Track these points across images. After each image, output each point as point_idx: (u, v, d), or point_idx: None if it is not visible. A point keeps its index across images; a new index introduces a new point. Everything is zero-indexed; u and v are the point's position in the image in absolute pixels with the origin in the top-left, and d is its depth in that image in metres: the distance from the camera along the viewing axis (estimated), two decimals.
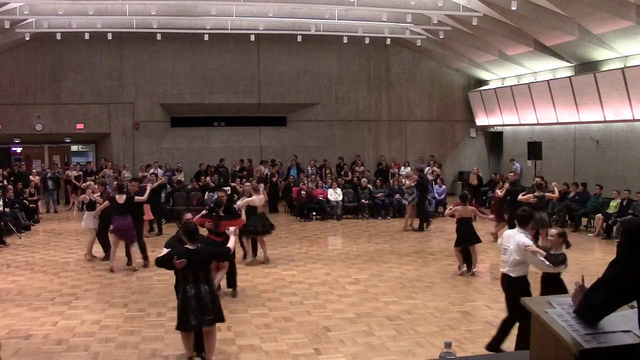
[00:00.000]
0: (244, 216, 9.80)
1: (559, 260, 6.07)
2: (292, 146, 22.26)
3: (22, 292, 9.27)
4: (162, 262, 6.06)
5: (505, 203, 13.87)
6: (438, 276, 10.30)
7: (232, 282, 9.19)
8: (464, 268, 10.40)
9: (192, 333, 6.08)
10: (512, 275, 6.22)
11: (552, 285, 6.08)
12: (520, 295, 6.21)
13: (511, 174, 15.70)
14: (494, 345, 6.47)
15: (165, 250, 6.26)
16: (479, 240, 10.61)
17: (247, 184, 12.67)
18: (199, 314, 5.84)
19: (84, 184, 13.94)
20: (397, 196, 17.80)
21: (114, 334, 7.23)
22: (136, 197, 11.26)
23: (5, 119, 20.56)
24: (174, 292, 6.60)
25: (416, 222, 15.80)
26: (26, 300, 8.82)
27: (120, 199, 10.97)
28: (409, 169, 20.13)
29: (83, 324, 7.66)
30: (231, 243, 6.49)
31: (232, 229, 6.82)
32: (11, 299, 8.88)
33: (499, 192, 14.00)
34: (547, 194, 12.44)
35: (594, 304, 2.53)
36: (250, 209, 10.87)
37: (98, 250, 12.01)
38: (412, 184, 15.77)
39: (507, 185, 14.19)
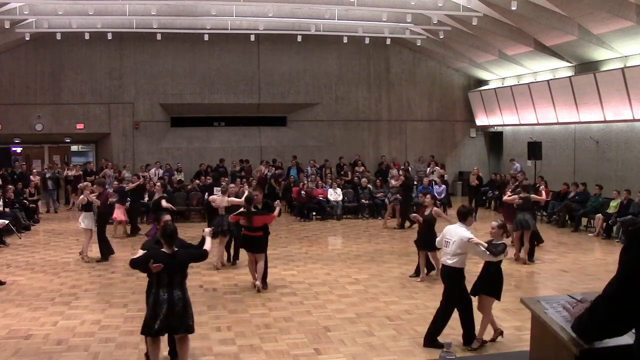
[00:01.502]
0: (277, 212, 9.92)
1: (499, 250, 6.71)
2: (292, 146, 22.26)
3: (22, 292, 9.27)
4: (136, 264, 5.84)
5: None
6: (438, 276, 10.27)
7: (263, 276, 9.46)
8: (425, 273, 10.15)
9: (159, 340, 5.85)
10: (451, 265, 6.72)
11: (494, 273, 6.75)
12: (455, 285, 6.75)
13: (519, 175, 15.61)
14: (431, 336, 6.77)
15: (141, 252, 6.02)
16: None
17: (232, 185, 12.96)
18: (166, 320, 5.61)
19: (80, 184, 13.96)
20: (397, 196, 17.78)
21: (114, 334, 7.23)
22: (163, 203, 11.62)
23: (5, 119, 20.56)
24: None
25: (395, 221, 16.12)
26: (26, 300, 8.82)
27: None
28: (396, 170, 20.09)
29: (83, 324, 7.66)
30: (207, 244, 6.26)
31: (207, 230, 6.61)
32: (11, 299, 8.88)
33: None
34: (533, 196, 12.29)
35: (598, 319, 2.35)
36: (212, 210, 11.48)
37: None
38: (398, 185, 15.90)
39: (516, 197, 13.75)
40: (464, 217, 6.92)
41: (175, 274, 5.72)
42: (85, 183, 14.03)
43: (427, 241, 9.84)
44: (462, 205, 7.27)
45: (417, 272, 10.25)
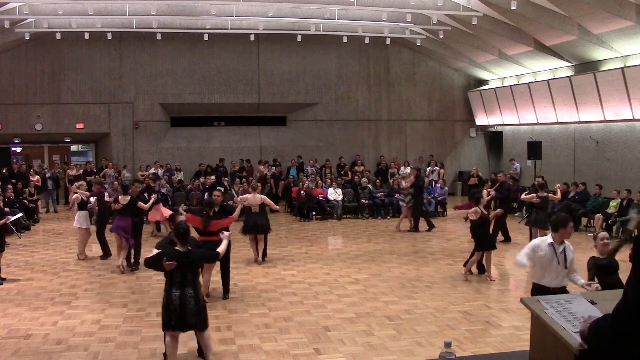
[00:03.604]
0: (236, 215, 9.67)
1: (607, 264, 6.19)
2: (292, 146, 22.27)
3: (22, 292, 9.27)
4: (151, 263, 5.99)
5: (497, 200, 13.67)
6: (438, 276, 10.29)
7: (225, 286, 9.03)
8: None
9: (177, 340, 5.97)
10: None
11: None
12: None
13: (500, 175, 15.60)
14: None
15: (155, 251, 6.19)
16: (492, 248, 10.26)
17: (216, 192, 12.34)
18: (180, 317, 5.77)
19: (76, 183, 13.81)
20: (398, 196, 17.77)
21: (114, 334, 7.23)
22: (139, 204, 11.27)
23: (5, 119, 20.56)
24: None
25: (407, 223, 15.72)
26: (26, 300, 8.82)
27: (124, 200, 11.01)
28: (408, 169, 19.97)
29: (83, 324, 7.65)
30: (222, 247, 6.43)
31: (226, 233, 6.78)
32: (11, 299, 8.88)
33: (485, 198, 13.57)
34: (551, 195, 12.40)
35: (623, 331, 2.06)
36: (245, 209, 10.95)
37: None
38: (408, 186, 15.70)
39: (493, 192, 13.65)
40: (555, 227, 5.98)
41: (188, 273, 5.90)
42: (80, 183, 13.94)
43: (482, 241, 9.98)
44: (557, 214, 6.48)
45: (481, 270, 10.27)
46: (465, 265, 10.33)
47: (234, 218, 9.30)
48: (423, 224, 15.70)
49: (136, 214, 11.16)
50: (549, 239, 5.95)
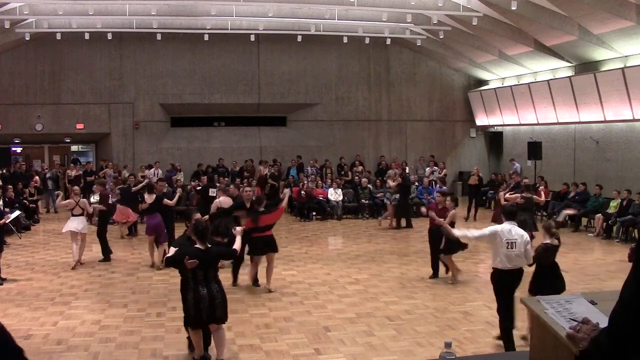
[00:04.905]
0: (285, 204, 10.06)
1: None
2: (292, 146, 22.25)
3: (22, 292, 9.28)
4: (173, 262, 6.10)
5: None
6: (438, 276, 10.28)
7: (234, 277, 9.56)
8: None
9: (201, 330, 6.13)
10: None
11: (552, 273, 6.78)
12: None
13: (515, 175, 15.61)
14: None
15: (173, 249, 6.29)
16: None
17: (247, 188, 11.80)
18: (210, 312, 5.93)
19: (74, 187, 13.21)
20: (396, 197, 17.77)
21: (114, 334, 7.23)
22: (165, 200, 11.44)
23: (5, 119, 20.55)
24: (174, 292, 6.60)
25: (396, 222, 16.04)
26: (26, 300, 8.83)
27: (150, 198, 11.24)
28: (394, 170, 19.93)
29: (83, 324, 7.66)
30: (237, 244, 6.56)
31: (238, 229, 6.90)
32: (11, 299, 8.88)
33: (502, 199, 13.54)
34: (535, 196, 12.33)
35: (621, 333, 1.94)
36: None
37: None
38: (395, 185, 15.88)
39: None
40: (514, 216, 6.87)
41: (209, 269, 6.01)
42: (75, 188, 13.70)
43: (452, 243, 9.80)
44: (510, 204, 7.39)
45: (437, 274, 10.17)
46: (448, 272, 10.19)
47: (282, 211, 9.61)
48: (419, 224, 15.73)
49: (163, 211, 11.40)
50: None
